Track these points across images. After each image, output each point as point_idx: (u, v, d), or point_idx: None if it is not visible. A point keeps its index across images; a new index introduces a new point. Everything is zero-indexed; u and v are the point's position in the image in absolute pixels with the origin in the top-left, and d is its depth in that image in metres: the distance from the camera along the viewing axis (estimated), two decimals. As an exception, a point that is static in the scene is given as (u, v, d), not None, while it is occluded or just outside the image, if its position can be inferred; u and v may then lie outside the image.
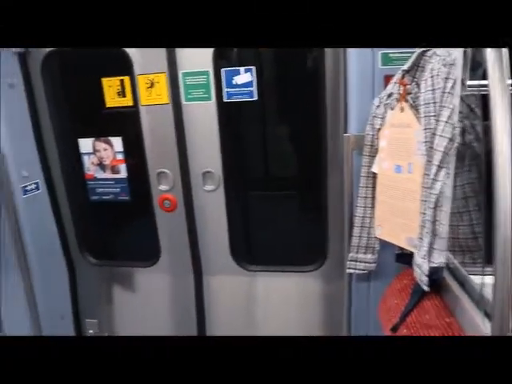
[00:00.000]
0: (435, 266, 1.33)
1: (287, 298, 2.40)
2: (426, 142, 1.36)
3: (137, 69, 2.13)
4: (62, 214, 2.47)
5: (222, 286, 2.42)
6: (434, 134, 1.31)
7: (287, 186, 2.37)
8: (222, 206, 2.26)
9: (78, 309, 2.66)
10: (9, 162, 2.14)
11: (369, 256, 1.83)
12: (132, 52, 2.12)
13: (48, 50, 2.20)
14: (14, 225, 2.15)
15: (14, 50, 2.18)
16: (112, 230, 2.59)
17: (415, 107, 1.46)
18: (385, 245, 1.72)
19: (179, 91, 2.12)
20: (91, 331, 2.68)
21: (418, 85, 1.46)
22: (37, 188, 2.30)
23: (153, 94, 2.15)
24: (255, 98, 2.10)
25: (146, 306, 2.57)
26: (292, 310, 2.40)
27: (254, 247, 2.42)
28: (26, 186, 2.23)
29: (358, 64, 1.75)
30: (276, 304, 2.41)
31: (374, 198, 1.76)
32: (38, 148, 2.31)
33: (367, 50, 1.70)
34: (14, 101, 2.19)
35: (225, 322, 2.46)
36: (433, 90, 1.33)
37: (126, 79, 2.18)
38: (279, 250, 2.38)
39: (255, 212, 2.40)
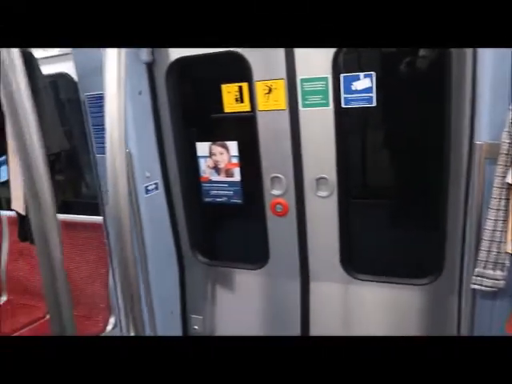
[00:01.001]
0: None
1: (395, 311, 2.31)
2: None
3: (255, 75, 2.18)
4: (177, 214, 2.60)
5: (329, 293, 2.40)
6: None
7: (402, 195, 2.29)
8: (334, 213, 2.23)
9: (186, 305, 2.79)
10: (134, 162, 2.29)
11: (498, 272, 1.71)
12: (251, 59, 2.17)
13: (173, 58, 2.32)
14: (137, 222, 2.29)
15: (142, 59, 2.34)
16: (223, 231, 2.67)
17: None
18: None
19: (297, 97, 2.14)
20: (196, 327, 2.79)
21: None
22: (156, 188, 2.44)
23: (270, 100, 2.18)
24: (374, 104, 2.05)
25: (250, 307, 2.61)
26: (399, 323, 2.31)
27: (364, 256, 2.36)
28: (147, 186, 2.38)
29: (493, 66, 1.64)
30: (382, 316, 2.34)
31: (507, 210, 1.64)
32: (159, 150, 2.45)
33: (503, 51, 1.59)
34: (141, 106, 2.35)
35: (328, 330, 2.43)
36: None
37: (245, 85, 2.24)
38: (389, 260, 2.31)
39: (366, 220, 2.34)
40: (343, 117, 2.12)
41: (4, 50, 1.13)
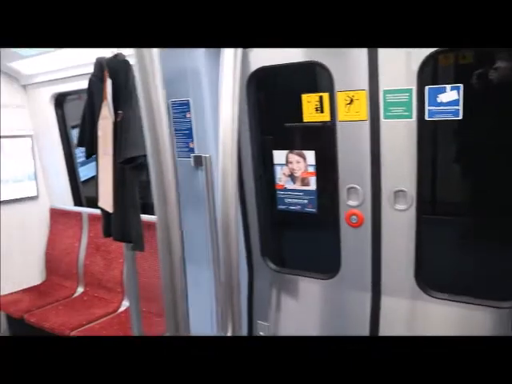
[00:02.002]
0: None
1: (470, 334, 2.21)
2: None
3: (337, 85, 2.19)
4: (249, 219, 2.64)
5: (401, 309, 2.33)
6: None
7: (485, 212, 2.20)
8: (412, 227, 2.18)
9: (253, 310, 2.82)
10: (213, 165, 2.36)
11: None
12: (333, 69, 2.18)
13: (254, 68, 2.38)
14: (212, 224, 2.36)
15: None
16: (294, 239, 2.69)
17: None
18: None
19: (378, 108, 2.12)
20: (261, 333, 2.81)
21: None
22: None
23: (351, 111, 2.18)
24: (460, 117, 1.99)
25: (317, 317, 2.60)
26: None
27: (441, 273, 2.28)
28: (224, 191, 2.44)
29: None
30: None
31: None
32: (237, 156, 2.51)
33: None
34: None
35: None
36: None
37: (325, 95, 2.25)
38: (468, 279, 2.22)
39: (445, 237, 2.27)
40: (426, 129, 2.08)
41: (145, 54, 1.21)
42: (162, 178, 1.22)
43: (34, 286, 3.79)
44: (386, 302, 2.36)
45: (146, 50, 1.22)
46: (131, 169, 1.99)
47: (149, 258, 3.01)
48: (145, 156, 2.01)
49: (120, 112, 2.01)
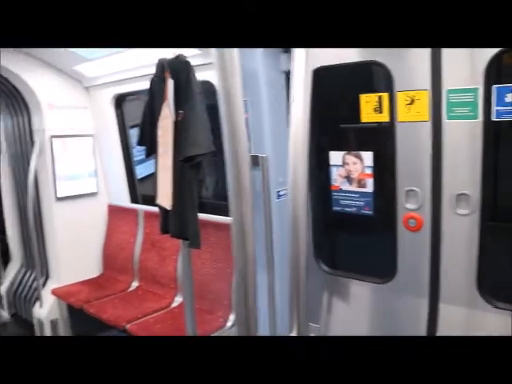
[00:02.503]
0: None
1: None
2: None
3: (397, 85, 2.14)
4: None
5: (460, 318, 2.24)
6: None
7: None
8: (475, 233, 2.08)
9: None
10: (270, 167, 2.36)
11: None
12: (394, 69, 2.13)
13: (312, 68, 2.37)
14: (268, 225, 2.37)
15: (282, 68, 2.43)
16: (348, 241, 2.65)
17: None
18: None
19: (441, 109, 2.05)
20: (312, 335, 2.79)
21: None
22: (287, 194, 2.49)
23: (412, 111, 2.12)
24: (530, 117, 1.89)
25: (370, 322, 2.54)
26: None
27: (505, 283, 2.17)
28: (279, 191, 2.44)
29: None
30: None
31: None
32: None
33: None
34: (278, 114, 2.43)
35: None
36: None
37: (385, 95, 2.20)
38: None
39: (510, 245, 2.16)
40: (492, 130, 1.99)
41: (225, 53, 1.26)
42: (239, 178, 1.24)
43: (92, 279, 3.96)
44: (444, 309, 2.27)
45: (226, 50, 1.25)
46: (190, 167, 2.04)
47: (202, 256, 3.07)
48: (203, 155, 2.06)
49: (181, 112, 2.06)
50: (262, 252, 2.45)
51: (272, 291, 2.49)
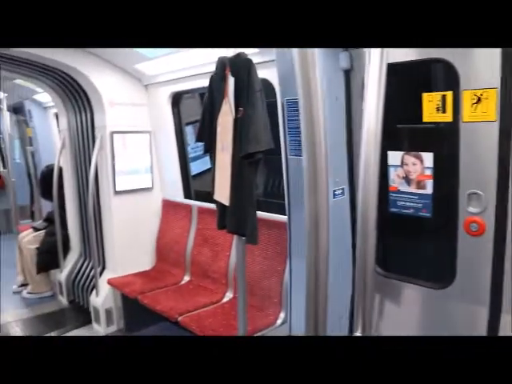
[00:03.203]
0: None
1: None
2: None
3: (463, 84, 2.06)
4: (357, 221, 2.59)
5: (524, 329, 2.14)
6: None
7: None
8: (545, 240, 1.99)
9: (353, 312, 2.76)
10: (328, 165, 2.34)
11: None
12: (460, 66, 2.06)
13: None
14: (323, 225, 2.34)
15: (342, 66, 2.40)
16: (404, 243, 2.59)
17: None
18: None
19: (510, 108, 1.96)
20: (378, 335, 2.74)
21: None
22: (342, 193, 2.47)
23: (478, 111, 2.04)
24: None
25: (423, 327, 2.47)
26: None
27: None
28: (335, 190, 2.42)
29: None
30: None
31: None
32: (348, 157, 2.48)
33: None
34: (336, 112, 2.41)
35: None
36: None
37: (449, 94, 2.14)
38: None
39: None
40: None
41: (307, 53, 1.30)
42: (316, 176, 1.26)
43: (145, 271, 4.09)
44: (505, 319, 2.17)
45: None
46: (249, 164, 2.06)
47: (253, 253, 3.10)
48: (263, 152, 2.08)
49: (241, 109, 2.09)
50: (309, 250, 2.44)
51: (325, 291, 2.47)
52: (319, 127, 2.25)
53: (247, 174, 2.09)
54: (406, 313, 2.54)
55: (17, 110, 7.34)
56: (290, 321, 2.79)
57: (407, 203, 2.38)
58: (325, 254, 1.72)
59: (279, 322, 2.96)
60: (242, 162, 2.08)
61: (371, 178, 1.69)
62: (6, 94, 6.21)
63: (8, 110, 6.39)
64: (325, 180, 1.80)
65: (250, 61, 2.07)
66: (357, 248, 1.89)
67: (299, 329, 2.51)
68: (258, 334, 2.80)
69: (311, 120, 1.96)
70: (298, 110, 2.44)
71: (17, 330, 4.15)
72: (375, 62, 1.70)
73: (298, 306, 2.56)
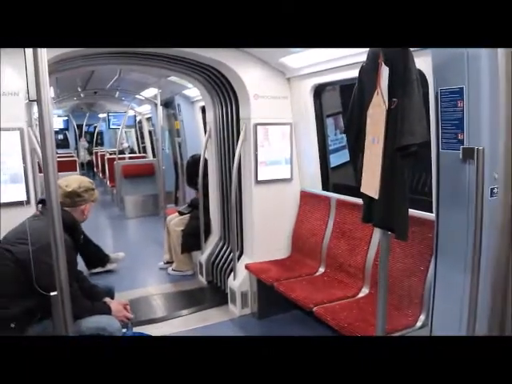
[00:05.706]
0: None
1: None
2: None
3: None
4: None
5: None
6: None
7: None
8: None
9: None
10: (486, 160, 2.15)
11: None
12: None
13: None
14: (477, 225, 2.16)
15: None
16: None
17: None
18: None
19: None
20: None
21: None
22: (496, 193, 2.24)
23: None
24: None
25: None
26: None
27: None
28: (493, 188, 2.21)
29: None
30: None
31: None
32: None
33: None
34: (497, 100, 2.19)
35: None
36: None
37: None
38: None
39: None
40: None
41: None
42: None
43: (281, 259, 4.21)
44: None
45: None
46: (402, 157, 1.98)
47: (393, 250, 2.97)
48: (418, 144, 1.98)
49: (394, 100, 2.02)
50: (468, 253, 2.26)
51: (475, 294, 2.28)
52: (478, 118, 2.09)
53: (400, 168, 2.01)
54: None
55: (168, 104, 8.07)
56: (430, 324, 2.63)
57: None
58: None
59: (419, 324, 2.81)
60: (395, 155, 2.00)
61: None
62: (160, 90, 6.85)
63: (161, 104, 7.03)
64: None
65: (407, 50, 1.98)
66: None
67: (442, 333, 2.36)
68: (397, 335, 2.70)
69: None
70: (455, 101, 2.29)
71: (158, 303, 4.59)
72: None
73: (443, 308, 2.40)
